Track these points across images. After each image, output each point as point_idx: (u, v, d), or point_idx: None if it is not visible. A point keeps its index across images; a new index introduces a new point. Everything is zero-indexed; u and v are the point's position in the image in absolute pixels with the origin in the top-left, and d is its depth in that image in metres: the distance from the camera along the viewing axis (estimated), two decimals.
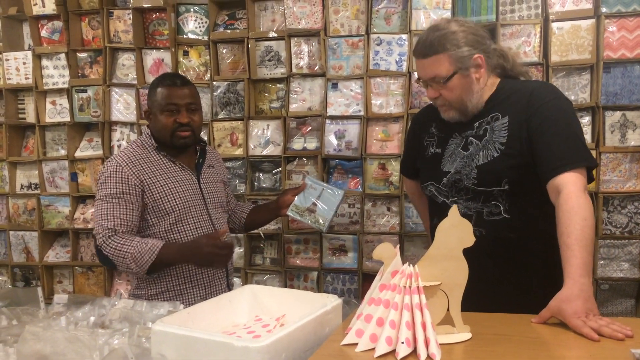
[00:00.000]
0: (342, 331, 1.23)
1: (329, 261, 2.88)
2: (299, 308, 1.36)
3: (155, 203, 1.95)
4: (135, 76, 3.07)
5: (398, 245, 1.31)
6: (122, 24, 3.10)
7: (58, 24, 3.19)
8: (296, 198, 2.11)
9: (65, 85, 3.17)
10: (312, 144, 2.89)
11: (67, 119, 3.18)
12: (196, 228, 2.01)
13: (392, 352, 1.10)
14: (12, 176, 3.28)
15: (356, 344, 1.14)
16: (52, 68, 3.19)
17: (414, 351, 1.10)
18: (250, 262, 3.02)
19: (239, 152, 2.99)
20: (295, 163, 2.92)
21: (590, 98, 2.57)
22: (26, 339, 1.26)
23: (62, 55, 3.16)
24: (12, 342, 1.38)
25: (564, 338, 1.21)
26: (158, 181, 1.96)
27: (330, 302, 1.35)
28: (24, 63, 3.22)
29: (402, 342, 1.08)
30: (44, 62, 3.20)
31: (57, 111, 3.23)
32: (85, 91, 3.15)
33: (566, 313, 1.24)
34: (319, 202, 2.09)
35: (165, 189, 1.96)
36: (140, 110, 3.07)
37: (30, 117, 3.28)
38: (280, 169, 2.93)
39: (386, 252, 1.19)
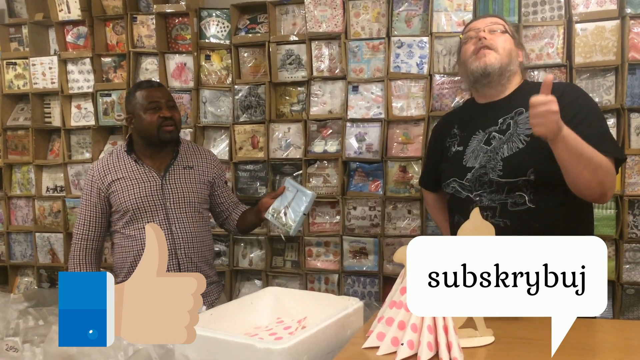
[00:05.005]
0: (364, 334, 1.23)
1: (350, 264, 2.88)
2: (321, 310, 1.37)
3: (116, 202, 2.12)
4: (158, 80, 3.10)
5: None
6: (145, 29, 3.15)
7: (83, 29, 3.24)
8: (275, 201, 2.13)
9: (90, 90, 3.23)
10: (332, 147, 2.90)
11: (92, 122, 3.24)
12: None
13: (414, 356, 1.10)
14: (38, 179, 3.35)
15: (378, 347, 1.14)
16: (77, 73, 3.25)
17: (436, 355, 1.09)
18: (270, 265, 3.04)
19: (260, 155, 3.01)
20: (316, 166, 2.93)
21: (615, 100, 2.53)
22: (53, 339, 1.28)
23: (87, 60, 3.22)
24: (38, 342, 1.41)
25: (588, 343, 1.19)
26: (120, 182, 2.12)
27: (351, 304, 1.35)
28: (50, 68, 3.28)
29: (424, 346, 1.08)
30: (69, 66, 3.26)
31: (82, 115, 3.28)
32: (110, 95, 3.20)
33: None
34: (292, 204, 2.08)
35: (124, 189, 2.11)
36: None
37: (56, 121, 3.34)
38: (301, 171, 2.94)
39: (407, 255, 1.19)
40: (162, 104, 2.11)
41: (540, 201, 1.62)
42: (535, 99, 1.41)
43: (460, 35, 1.86)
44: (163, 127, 2.10)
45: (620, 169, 2.40)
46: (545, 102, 1.39)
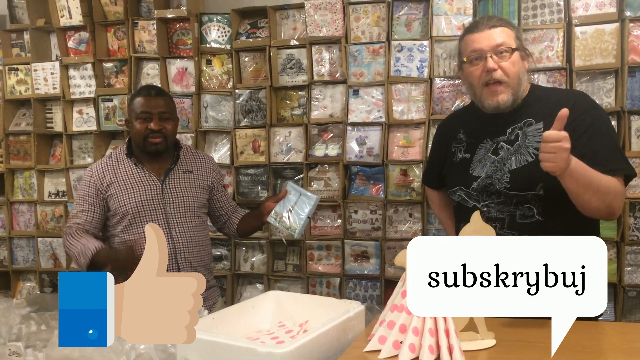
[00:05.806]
0: (365, 337, 1.24)
1: (351, 267, 2.88)
2: (322, 314, 1.37)
3: (115, 205, 2.11)
4: (159, 85, 3.12)
5: None
6: (146, 34, 3.16)
7: (84, 34, 3.25)
8: (277, 205, 2.13)
9: (92, 95, 3.24)
10: (333, 151, 2.90)
11: (94, 127, 3.24)
12: None
13: (416, 359, 1.10)
14: (40, 184, 3.35)
15: (379, 350, 1.14)
16: (79, 78, 3.26)
17: (438, 358, 1.09)
18: (272, 268, 3.04)
19: (261, 159, 3.01)
20: (317, 170, 2.94)
21: (615, 102, 2.53)
22: (55, 344, 1.29)
23: (89, 66, 3.23)
24: (41, 347, 1.41)
25: (590, 345, 1.19)
26: (119, 185, 2.12)
27: (353, 308, 1.35)
28: (52, 73, 3.29)
29: (426, 349, 1.08)
30: (71, 72, 3.27)
31: (83, 120, 3.29)
32: (111, 100, 3.21)
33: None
34: (295, 208, 2.09)
35: (123, 192, 2.11)
36: None
37: (58, 126, 3.35)
38: (302, 175, 2.94)
39: None
40: (154, 115, 2.08)
41: (549, 214, 1.61)
42: (548, 134, 1.37)
43: (462, 54, 1.73)
44: (149, 139, 2.08)
45: None
46: (557, 139, 1.36)
